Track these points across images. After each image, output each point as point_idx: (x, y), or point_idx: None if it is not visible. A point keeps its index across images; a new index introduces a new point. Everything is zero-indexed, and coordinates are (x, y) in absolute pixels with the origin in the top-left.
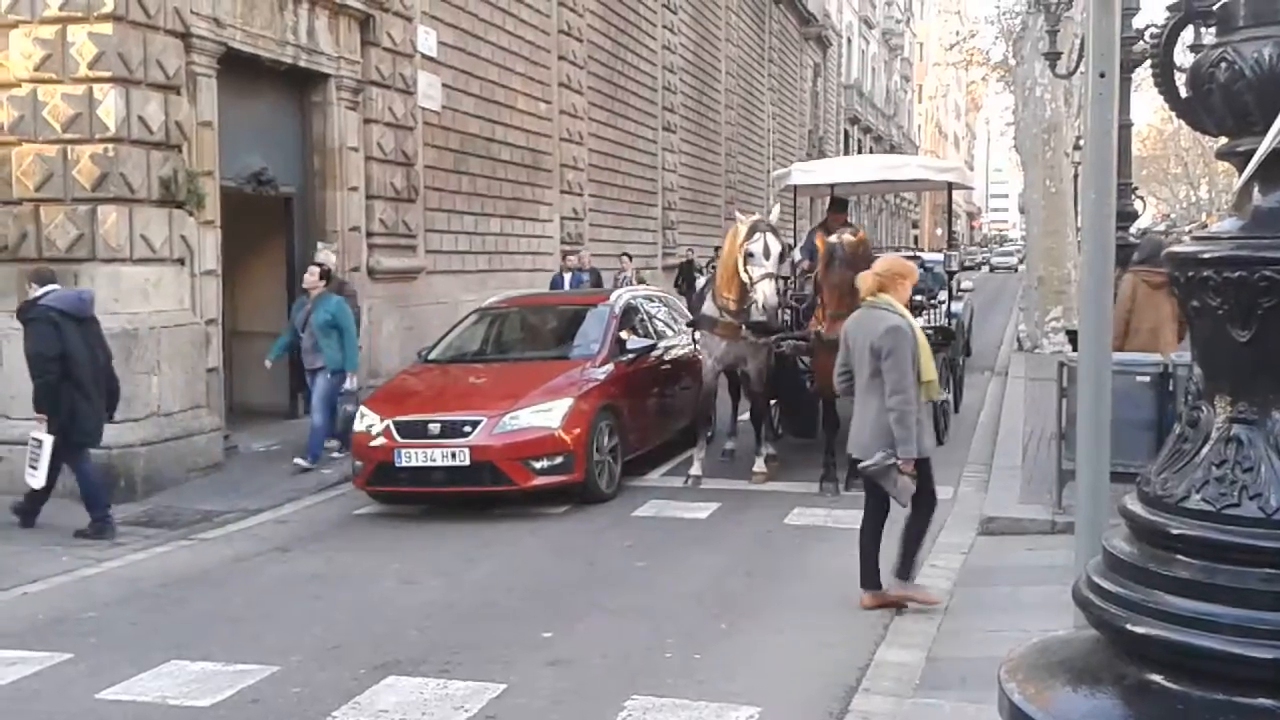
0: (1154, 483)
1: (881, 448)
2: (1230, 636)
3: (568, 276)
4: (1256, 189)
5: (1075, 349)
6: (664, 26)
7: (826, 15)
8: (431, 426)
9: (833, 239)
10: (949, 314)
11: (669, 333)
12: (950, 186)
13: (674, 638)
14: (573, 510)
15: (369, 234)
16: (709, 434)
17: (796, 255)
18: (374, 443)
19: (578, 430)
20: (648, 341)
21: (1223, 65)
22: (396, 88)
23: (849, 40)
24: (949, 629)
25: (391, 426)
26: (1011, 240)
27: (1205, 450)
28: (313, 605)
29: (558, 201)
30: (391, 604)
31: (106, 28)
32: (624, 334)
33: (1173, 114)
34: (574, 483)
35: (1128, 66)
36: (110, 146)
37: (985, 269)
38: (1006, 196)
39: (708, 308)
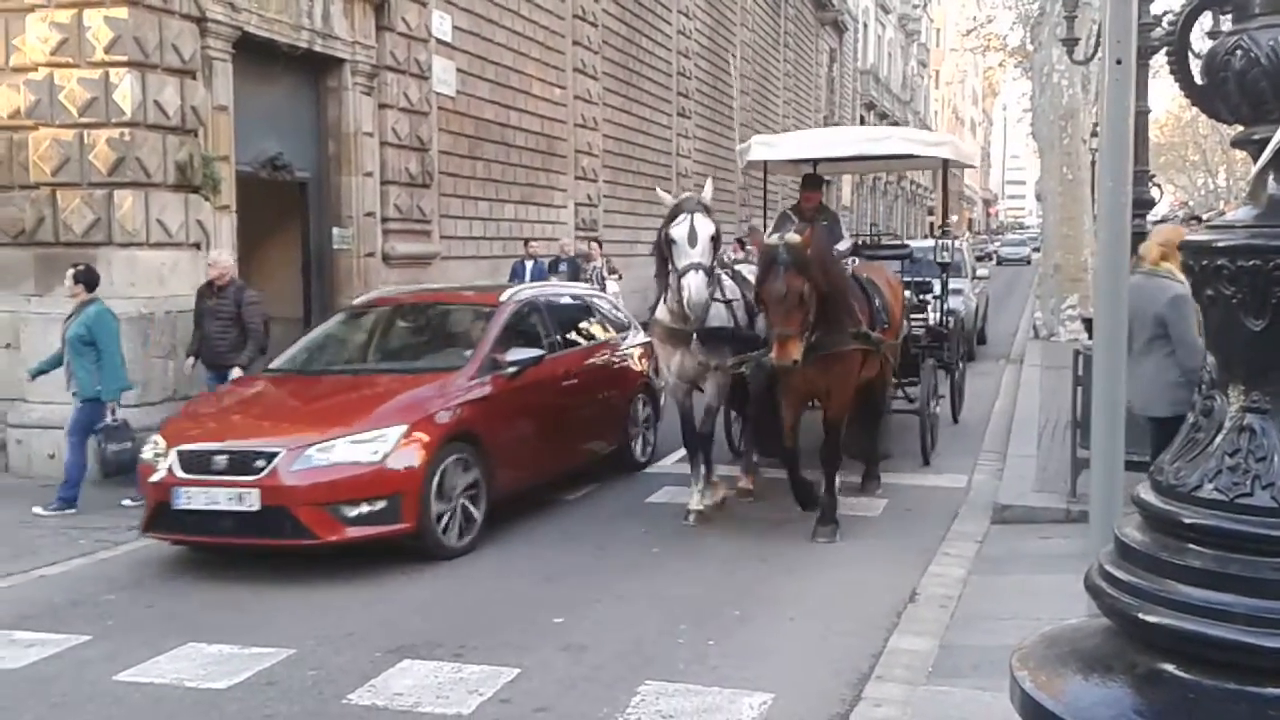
0: (1167, 472)
1: (1171, 402)
2: (1242, 626)
3: (529, 265)
4: (1271, 177)
5: (1091, 337)
6: (679, 11)
7: (842, 0)
8: (217, 459)
9: (773, 238)
10: (944, 312)
11: (590, 338)
12: (946, 164)
13: (687, 624)
14: (587, 496)
15: (384, 219)
16: (704, 466)
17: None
18: (155, 477)
19: (411, 465)
20: (534, 352)
21: (1238, 53)
22: (411, 73)
23: (865, 25)
24: (962, 616)
25: (175, 457)
26: (1025, 227)
27: (1218, 439)
28: (329, 589)
29: (572, 187)
30: (405, 589)
31: (122, 12)
32: (500, 350)
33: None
34: (403, 534)
35: (1145, 53)
36: (126, 131)
37: (993, 262)
38: (1023, 183)
39: (660, 309)
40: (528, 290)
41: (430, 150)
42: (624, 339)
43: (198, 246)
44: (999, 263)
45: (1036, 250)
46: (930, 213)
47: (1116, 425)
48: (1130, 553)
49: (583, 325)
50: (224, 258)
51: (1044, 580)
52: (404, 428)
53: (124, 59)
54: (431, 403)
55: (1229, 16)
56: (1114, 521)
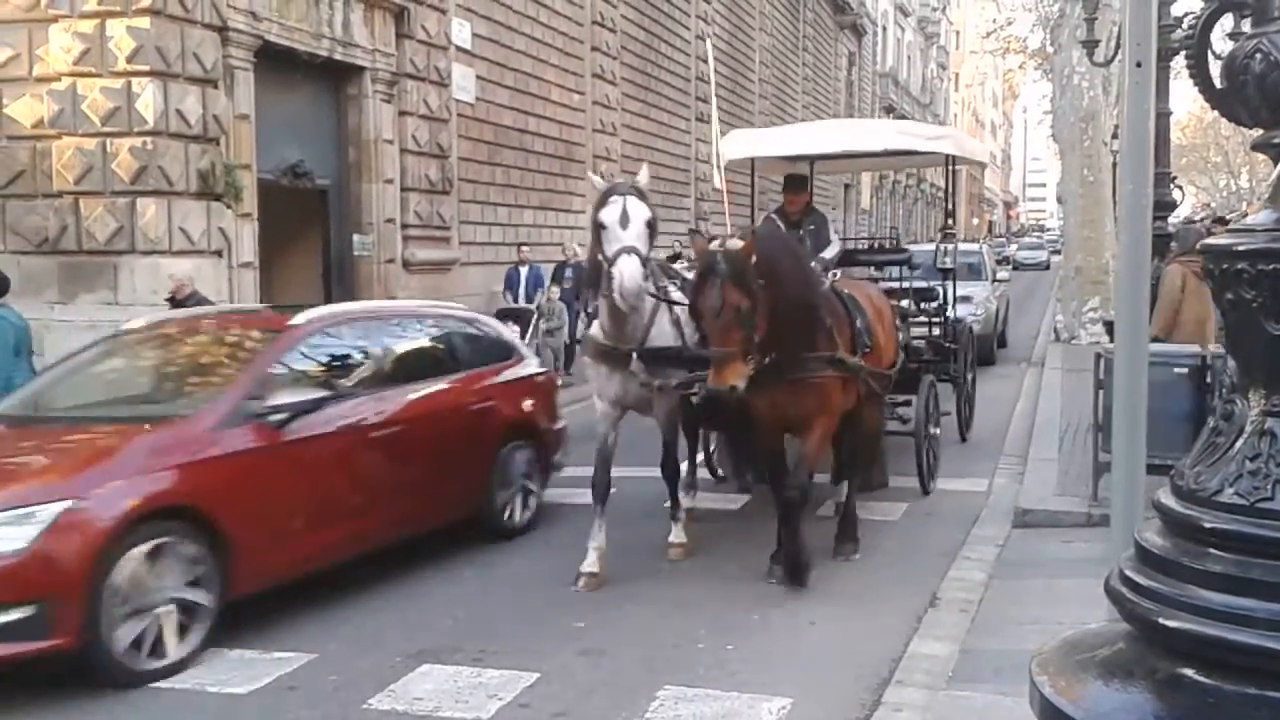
0: (1187, 476)
1: None
2: (1264, 631)
3: (523, 271)
4: None
5: (1112, 340)
6: (698, 16)
7: (861, 3)
8: None
9: (714, 245)
10: (948, 322)
11: (437, 370)
12: (950, 161)
13: (706, 628)
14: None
15: (404, 226)
16: (603, 506)
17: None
18: None
19: (69, 558)
20: (310, 395)
21: (1258, 56)
22: (431, 80)
23: (884, 28)
24: (982, 621)
25: None
26: (1044, 229)
27: (1239, 444)
28: (351, 594)
29: (591, 193)
30: (426, 594)
31: (145, 22)
32: (263, 392)
33: None
34: (56, 652)
35: (1166, 55)
36: (149, 140)
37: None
38: (1044, 186)
39: (594, 326)
40: (337, 310)
41: (450, 157)
42: (502, 371)
43: (220, 254)
44: (1015, 268)
45: (1056, 253)
46: (949, 215)
47: (1138, 429)
48: (1150, 558)
49: (426, 355)
50: (182, 272)
51: (1065, 584)
52: (65, 504)
53: (146, 68)
54: (127, 465)
55: (1249, 20)
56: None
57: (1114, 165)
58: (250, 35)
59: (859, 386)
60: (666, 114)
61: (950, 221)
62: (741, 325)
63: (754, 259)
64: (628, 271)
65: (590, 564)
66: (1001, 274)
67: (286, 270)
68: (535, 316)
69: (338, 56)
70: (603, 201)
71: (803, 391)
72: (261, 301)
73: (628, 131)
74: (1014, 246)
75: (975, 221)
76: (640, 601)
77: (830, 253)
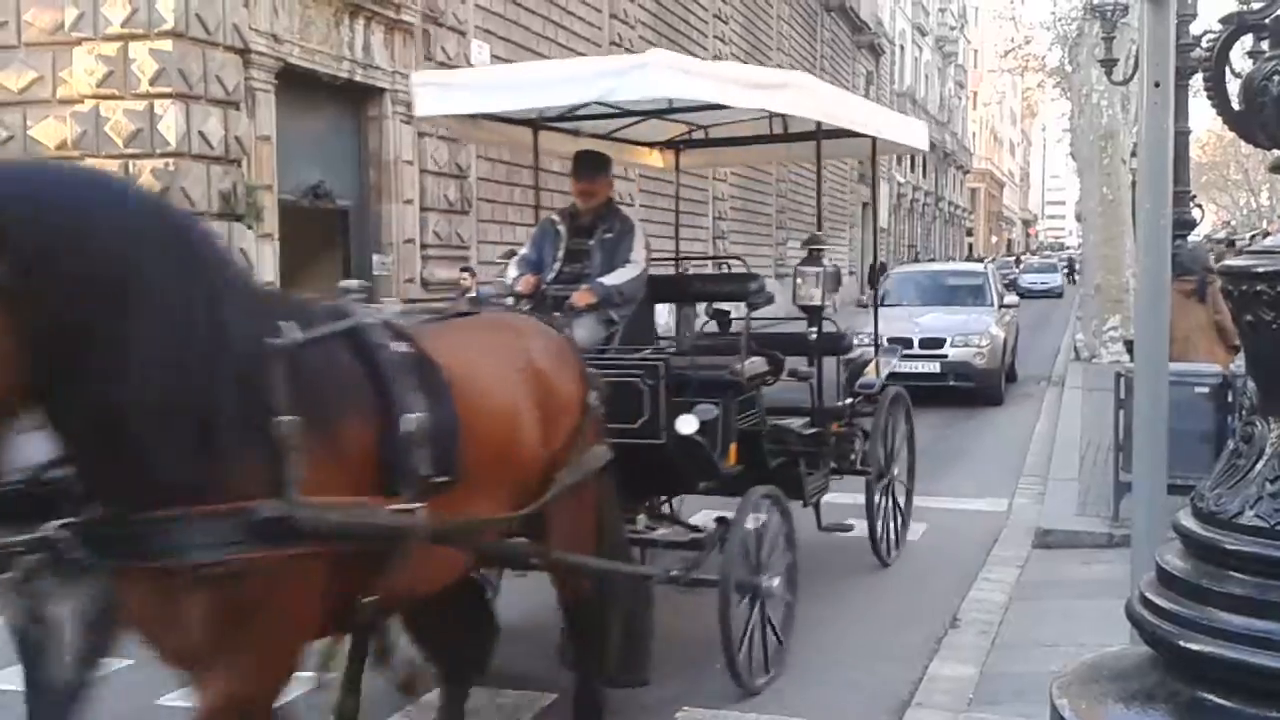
0: (1208, 498)
1: None
2: None
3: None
4: None
5: (1133, 359)
6: (715, 37)
7: (879, 23)
8: None
9: None
10: (816, 394)
11: None
12: (876, 146)
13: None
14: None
15: (423, 246)
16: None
17: (512, 270)
18: None
19: None
20: None
21: (1276, 79)
22: None
23: (902, 48)
24: (1003, 643)
25: None
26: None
27: (1259, 466)
28: None
29: None
30: None
31: (167, 44)
32: None
33: None
34: None
35: (1185, 73)
36: (171, 161)
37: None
38: (1063, 204)
39: None
40: None
41: (469, 177)
42: None
43: None
44: (1021, 295)
45: (1073, 275)
46: (969, 234)
47: (1159, 448)
48: (1171, 580)
49: None
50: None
51: (1086, 606)
52: None
53: (169, 90)
54: None
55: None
56: (1157, 547)
57: (1133, 183)
58: (272, 58)
59: (465, 555)
60: None
61: (819, 235)
62: None
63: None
64: None
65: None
66: (1010, 298)
67: (306, 290)
68: None
69: (358, 78)
70: None
71: (160, 600)
72: None
73: None
74: (1019, 268)
75: (994, 240)
76: (658, 623)
77: (620, 278)
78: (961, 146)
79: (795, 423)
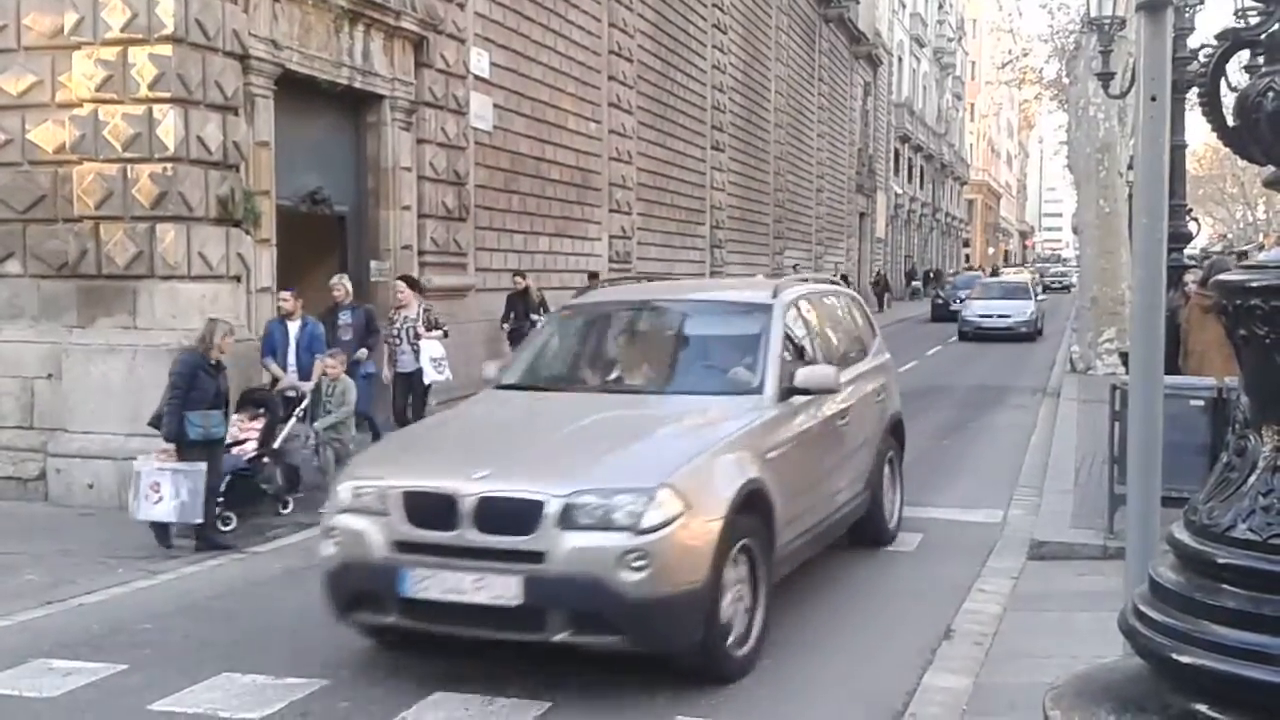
0: (1201, 511)
1: None
2: (1277, 667)
3: (291, 328)
4: None
5: (1128, 371)
6: (714, 46)
7: (877, 34)
8: None
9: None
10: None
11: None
12: None
13: None
14: None
15: (421, 252)
16: None
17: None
18: None
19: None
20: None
21: (1270, 94)
22: (449, 108)
23: (900, 59)
24: (998, 654)
25: None
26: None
27: (1252, 480)
28: None
29: (606, 220)
30: None
31: (166, 49)
32: None
33: None
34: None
35: (1182, 87)
36: (169, 166)
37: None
38: (1060, 215)
39: None
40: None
41: (467, 184)
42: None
43: (238, 279)
44: (967, 335)
45: (1067, 288)
46: (966, 245)
47: (1153, 461)
48: (1164, 593)
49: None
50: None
51: (1081, 618)
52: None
53: (168, 95)
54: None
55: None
56: (1151, 559)
57: (1130, 196)
58: (271, 63)
59: None
60: (682, 142)
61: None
62: None
63: None
64: None
65: None
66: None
67: (304, 295)
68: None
69: (357, 85)
70: None
71: None
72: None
73: (643, 160)
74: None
75: (991, 251)
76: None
77: None
78: (959, 158)
79: None
